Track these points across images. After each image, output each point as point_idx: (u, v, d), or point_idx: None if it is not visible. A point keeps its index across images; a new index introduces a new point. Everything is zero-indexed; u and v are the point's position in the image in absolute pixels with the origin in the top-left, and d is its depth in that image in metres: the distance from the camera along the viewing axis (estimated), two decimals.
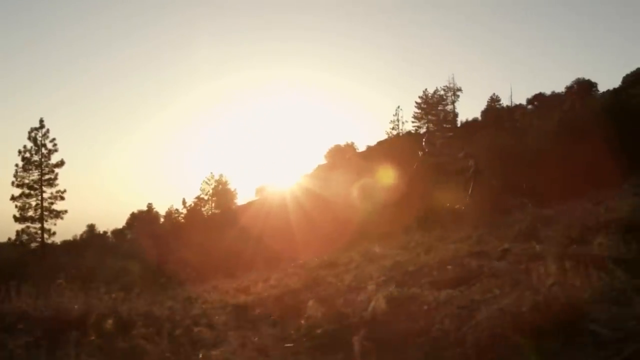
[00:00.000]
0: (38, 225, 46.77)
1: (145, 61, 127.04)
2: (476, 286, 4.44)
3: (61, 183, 47.71)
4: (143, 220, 60.98)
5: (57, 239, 51.36)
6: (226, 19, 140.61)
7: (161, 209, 64.26)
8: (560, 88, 60.44)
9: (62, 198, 47.26)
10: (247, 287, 7.19)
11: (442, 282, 5.00)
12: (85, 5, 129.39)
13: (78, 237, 64.19)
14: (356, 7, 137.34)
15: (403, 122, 57.64)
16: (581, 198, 14.63)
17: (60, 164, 47.29)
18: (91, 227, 64.24)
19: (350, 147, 57.29)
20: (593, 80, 59.06)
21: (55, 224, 47.24)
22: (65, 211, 47.63)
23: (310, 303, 5.08)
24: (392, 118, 57.85)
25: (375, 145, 55.80)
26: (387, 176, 28.69)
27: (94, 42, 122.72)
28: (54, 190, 47.05)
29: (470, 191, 19.96)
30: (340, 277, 6.52)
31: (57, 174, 47.16)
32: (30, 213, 46.71)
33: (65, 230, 62.25)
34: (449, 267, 5.67)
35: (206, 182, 55.16)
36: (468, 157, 21.80)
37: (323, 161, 57.42)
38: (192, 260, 24.78)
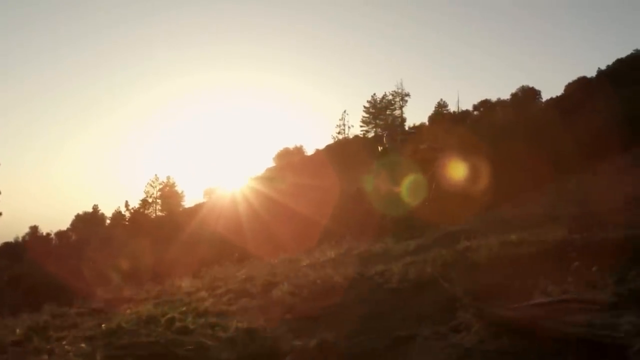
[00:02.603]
0: None
1: (92, 64, 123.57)
2: None
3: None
4: (88, 221, 59.50)
5: None
6: (173, 22, 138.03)
7: (109, 211, 62.84)
8: (506, 95, 61.98)
9: None
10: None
11: None
12: (31, 7, 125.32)
13: (20, 239, 62.23)
14: (305, 11, 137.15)
15: (349, 127, 57.99)
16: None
17: None
18: (34, 229, 62.22)
19: (299, 150, 57.26)
20: (537, 87, 60.86)
21: None
22: (0, 213, 46.04)
23: None
24: (339, 122, 58.14)
25: (323, 149, 55.92)
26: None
27: (38, 44, 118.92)
28: None
29: (431, 190, 18.99)
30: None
31: None
32: None
33: (7, 231, 60.20)
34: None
35: (151, 185, 54.14)
36: (432, 150, 20.48)
37: (272, 164, 57.23)
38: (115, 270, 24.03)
